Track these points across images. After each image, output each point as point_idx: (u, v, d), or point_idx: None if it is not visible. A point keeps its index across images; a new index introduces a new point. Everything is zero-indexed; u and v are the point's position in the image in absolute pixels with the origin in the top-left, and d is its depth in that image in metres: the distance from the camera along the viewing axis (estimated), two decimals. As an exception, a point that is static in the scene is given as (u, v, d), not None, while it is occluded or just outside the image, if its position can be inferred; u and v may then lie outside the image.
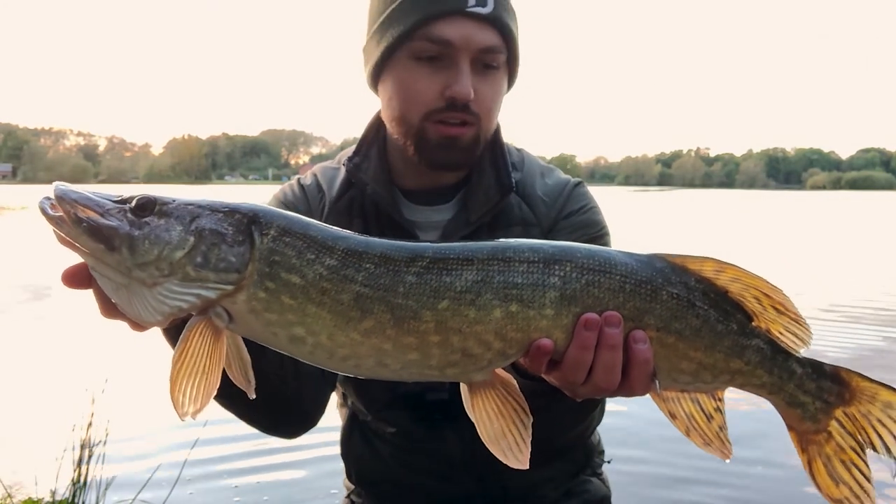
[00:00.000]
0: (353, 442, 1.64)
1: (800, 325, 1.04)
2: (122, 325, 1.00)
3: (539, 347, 0.97)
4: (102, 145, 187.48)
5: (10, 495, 2.99)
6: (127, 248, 0.92)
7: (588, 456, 1.69)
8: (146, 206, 0.95)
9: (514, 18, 1.43)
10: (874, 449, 1.05)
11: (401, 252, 0.97)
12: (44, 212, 0.93)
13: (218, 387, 0.92)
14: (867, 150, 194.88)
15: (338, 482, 1.84)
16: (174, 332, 1.08)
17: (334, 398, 1.69)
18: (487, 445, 1.00)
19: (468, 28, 1.34)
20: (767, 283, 1.02)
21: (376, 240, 0.99)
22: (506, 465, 0.99)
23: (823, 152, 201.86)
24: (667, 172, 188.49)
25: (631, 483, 3.64)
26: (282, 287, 0.94)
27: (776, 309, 1.03)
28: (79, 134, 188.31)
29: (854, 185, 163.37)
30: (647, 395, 1.07)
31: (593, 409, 1.41)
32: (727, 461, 1.06)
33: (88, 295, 1.00)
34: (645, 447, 4.15)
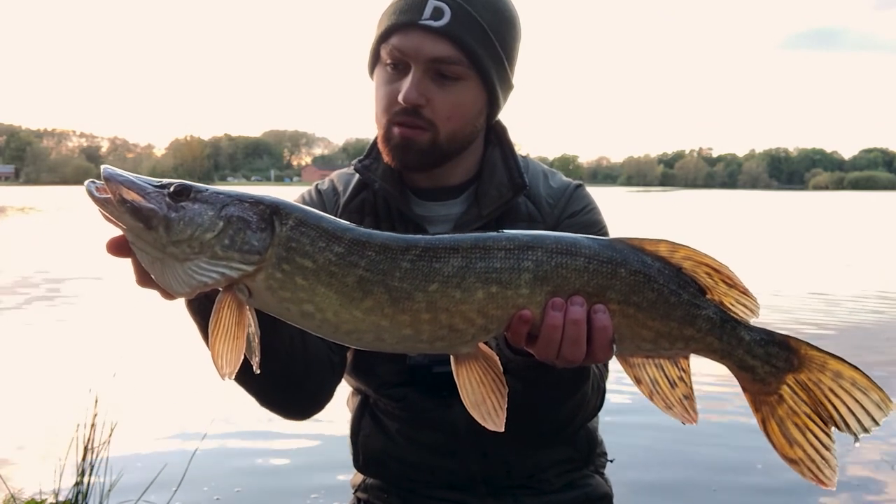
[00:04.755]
0: (363, 423, 1.69)
1: (748, 297, 1.13)
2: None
3: (520, 317, 1.10)
4: (105, 146, 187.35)
5: (13, 496, 3.00)
6: (163, 228, 1.04)
7: (590, 447, 1.71)
8: (182, 192, 1.07)
9: (485, 34, 1.46)
10: (834, 424, 1.10)
11: (397, 242, 1.10)
12: (90, 193, 1.05)
13: (244, 350, 1.05)
14: (870, 151, 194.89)
15: (339, 494, 1.84)
16: (196, 305, 1.24)
17: (345, 395, 1.73)
18: (469, 410, 1.12)
19: (420, 39, 1.45)
20: (716, 260, 1.12)
21: (377, 231, 1.12)
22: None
23: (826, 152, 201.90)
24: (669, 173, 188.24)
25: (633, 486, 3.64)
26: (296, 269, 1.07)
27: (726, 283, 1.13)
28: (81, 135, 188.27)
29: (857, 185, 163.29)
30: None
31: (584, 383, 1.43)
32: (692, 423, 1.14)
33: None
34: (648, 452, 4.15)
